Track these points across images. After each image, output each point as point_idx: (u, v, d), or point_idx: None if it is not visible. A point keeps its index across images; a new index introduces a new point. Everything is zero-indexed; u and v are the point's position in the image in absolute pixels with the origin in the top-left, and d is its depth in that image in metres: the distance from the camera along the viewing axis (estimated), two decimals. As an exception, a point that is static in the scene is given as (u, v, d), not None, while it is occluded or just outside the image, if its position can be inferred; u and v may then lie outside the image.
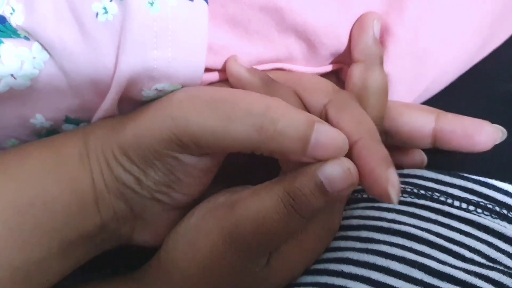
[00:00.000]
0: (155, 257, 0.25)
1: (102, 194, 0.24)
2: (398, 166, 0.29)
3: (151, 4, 0.22)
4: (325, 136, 0.21)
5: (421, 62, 0.29)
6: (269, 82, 0.25)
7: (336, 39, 0.27)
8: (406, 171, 0.28)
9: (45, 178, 0.23)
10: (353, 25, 0.27)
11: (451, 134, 0.26)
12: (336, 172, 0.21)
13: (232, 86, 0.25)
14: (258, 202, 0.22)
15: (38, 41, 0.23)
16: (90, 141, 0.24)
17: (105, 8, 0.23)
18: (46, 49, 0.23)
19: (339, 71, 0.29)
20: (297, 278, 0.25)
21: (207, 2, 0.24)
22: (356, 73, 0.26)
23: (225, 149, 0.22)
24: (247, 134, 0.21)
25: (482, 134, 0.26)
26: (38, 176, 0.23)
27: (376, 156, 0.21)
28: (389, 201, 0.21)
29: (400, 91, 0.29)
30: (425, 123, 0.26)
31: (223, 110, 0.22)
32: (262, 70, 0.26)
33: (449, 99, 0.31)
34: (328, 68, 0.28)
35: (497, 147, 0.27)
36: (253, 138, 0.21)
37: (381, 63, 0.27)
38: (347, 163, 0.21)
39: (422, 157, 0.29)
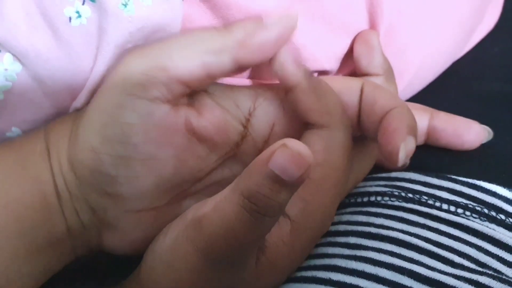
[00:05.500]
0: (135, 275, 0.24)
1: (64, 194, 0.23)
2: (382, 166, 0.29)
3: (125, 5, 0.22)
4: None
5: (402, 56, 0.29)
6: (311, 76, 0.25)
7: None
8: (393, 174, 0.28)
9: (5, 179, 0.22)
10: (356, 42, 0.27)
11: (442, 133, 0.28)
12: (286, 159, 0.20)
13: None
14: (222, 217, 0.21)
15: (9, 52, 0.22)
16: (50, 135, 0.24)
17: (78, 12, 0.22)
18: (18, 60, 0.23)
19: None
20: (284, 280, 0.24)
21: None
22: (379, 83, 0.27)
23: (190, 59, 0.23)
24: (207, 33, 0.22)
25: (471, 134, 0.28)
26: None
27: (404, 120, 0.22)
28: (396, 160, 0.21)
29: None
30: (420, 121, 0.27)
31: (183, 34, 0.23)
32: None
33: (433, 99, 0.31)
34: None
35: (484, 148, 0.27)
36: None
37: (394, 76, 0.28)
38: (296, 146, 0.20)
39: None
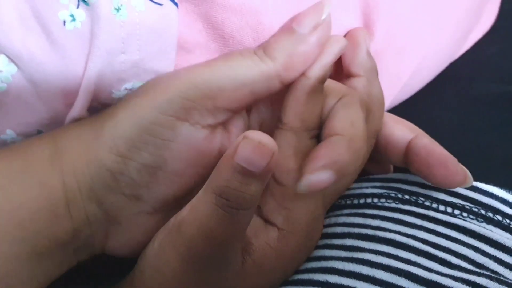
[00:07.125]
0: (129, 277, 0.24)
1: (74, 197, 0.23)
2: (364, 171, 0.28)
3: (118, 10, 0.22)
4: None
5: (399, 58, 0.29)
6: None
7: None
8: (390, 176, 0.27)
9: (10, 184, 0.22)
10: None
11: (416, 156, 0.25)
12: (250, 150, 0.20)
13: None
14: (198, 218, 0.21)
15: (4, 54, 0.22)
16: (61, 140, 0.23)
17: (72, 16, 0.22)
18: (13, 62, 0.22)
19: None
20: (276, 284, 0.24)
21: (177, 6, 0.23)
22: (360, 87, 0.26)
23: (240, 89, 0.22)
24: (252, 62, 0.22)
25: (442, 169, 0.25)
26: (3, 183, 0.22)
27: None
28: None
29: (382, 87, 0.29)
30: (402, 138, 0.26)
31: (223, 59, 0.23)
32: None
33: (430, 100, 0.31)
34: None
35: (481, 149, 0.27)
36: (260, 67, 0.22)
37: (377, 75, 0.27)
38: (257, 136, 0.20)
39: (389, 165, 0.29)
